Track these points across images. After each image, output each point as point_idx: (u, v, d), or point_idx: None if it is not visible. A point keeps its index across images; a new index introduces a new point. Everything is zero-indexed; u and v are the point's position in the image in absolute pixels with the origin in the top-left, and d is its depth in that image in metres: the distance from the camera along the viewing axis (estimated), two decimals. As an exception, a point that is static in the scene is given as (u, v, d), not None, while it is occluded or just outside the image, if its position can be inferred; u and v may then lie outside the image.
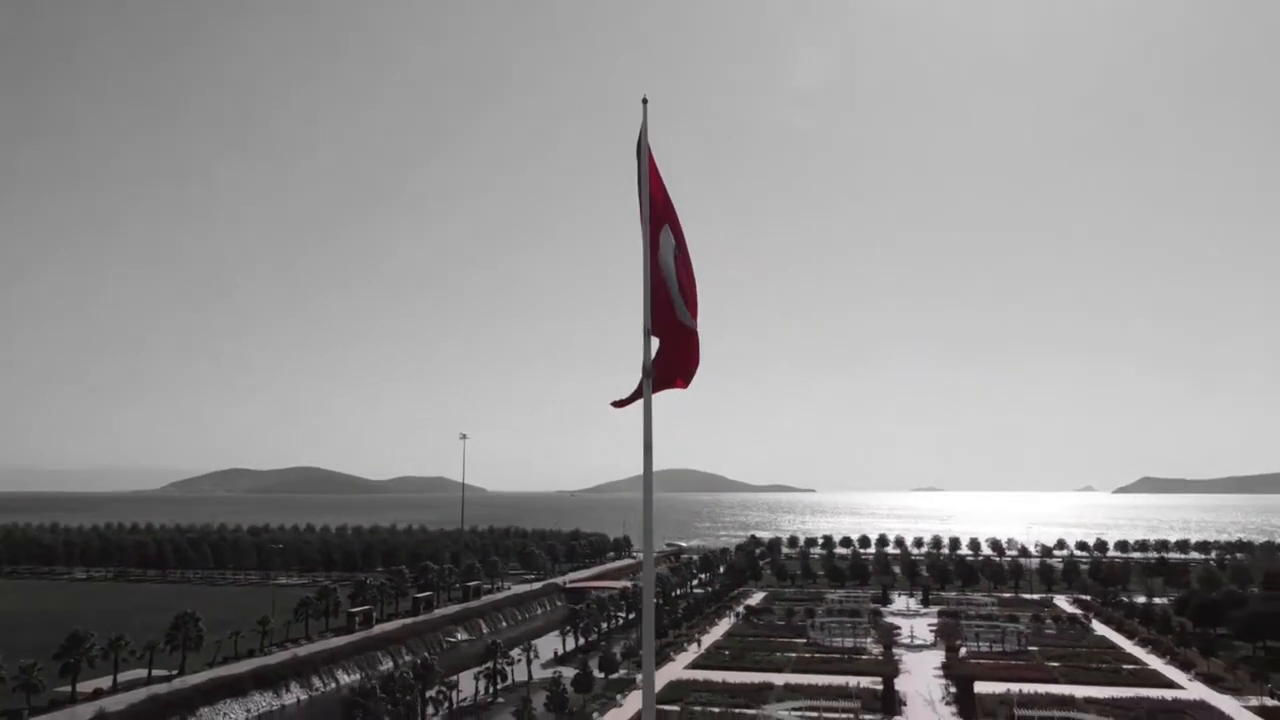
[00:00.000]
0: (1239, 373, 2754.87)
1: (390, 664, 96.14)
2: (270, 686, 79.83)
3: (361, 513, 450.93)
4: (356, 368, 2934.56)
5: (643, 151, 14.73)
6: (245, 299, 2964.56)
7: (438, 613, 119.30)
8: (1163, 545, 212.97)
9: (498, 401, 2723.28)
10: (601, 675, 77.22)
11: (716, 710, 67.91)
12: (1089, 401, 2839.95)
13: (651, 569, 13.52)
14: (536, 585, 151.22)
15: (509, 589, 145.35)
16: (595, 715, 68.56)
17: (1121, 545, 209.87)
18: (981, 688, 73.80)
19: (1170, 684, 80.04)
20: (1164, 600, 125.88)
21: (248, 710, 75.69)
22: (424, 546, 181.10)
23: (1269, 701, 72.43)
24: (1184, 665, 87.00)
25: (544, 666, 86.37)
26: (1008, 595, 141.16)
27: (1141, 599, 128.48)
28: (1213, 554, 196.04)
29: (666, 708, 71.68)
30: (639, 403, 14.75)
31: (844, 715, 64.25)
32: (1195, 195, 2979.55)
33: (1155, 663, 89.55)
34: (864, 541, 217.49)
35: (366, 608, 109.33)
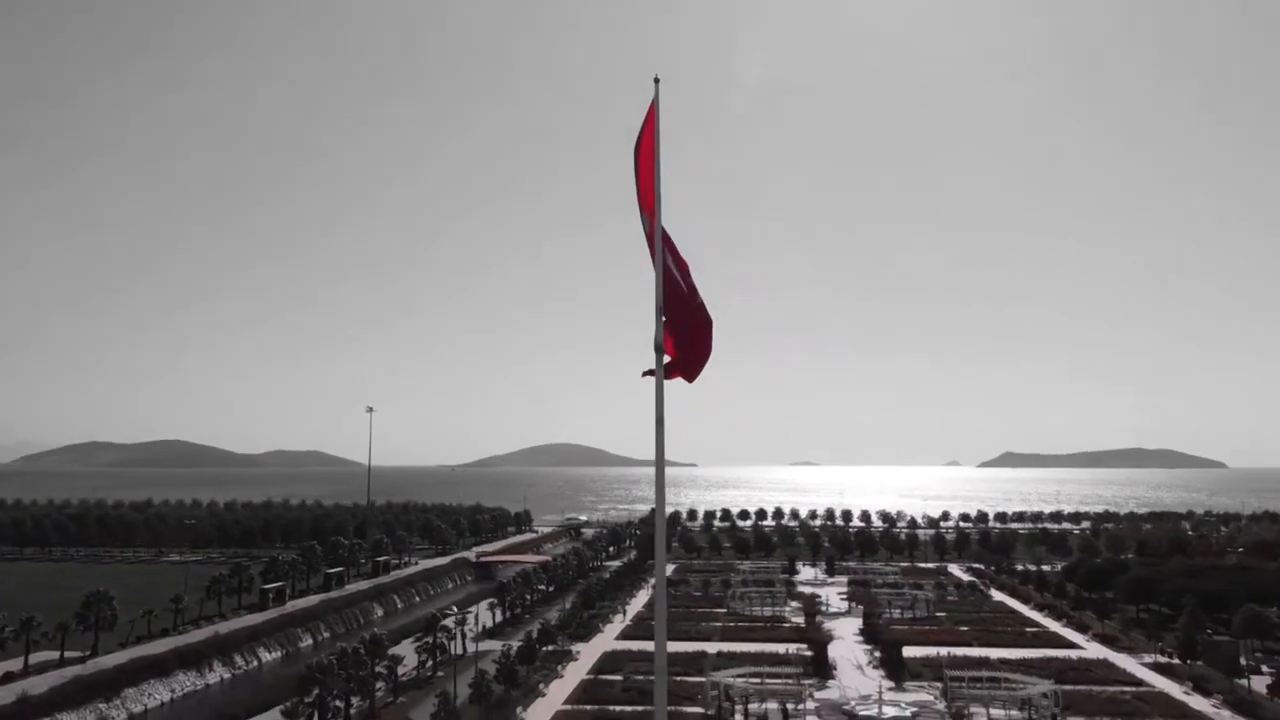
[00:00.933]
0: (1093, 355, 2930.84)
1: (310, 640, 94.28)
2: (193, 666, 77.14)
3: (239, 487, 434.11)
4: (223, 339, 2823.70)
5: (656, 132, 14.94)
6: (106, 272, 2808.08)
7: (350, 588, 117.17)
8: (1038, 516, 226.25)
9: (372, 375, 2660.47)
10: (540, 647, 77.50)
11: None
12: (954, 381, 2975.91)
13: (663, 531, 13.93)
14: (445, 560, 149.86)
15: (416, 564, 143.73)
16: (540, 686, 69.01)
17: (1001, 516, 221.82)
18: (905, 652, 77.46)
19: (1071, 645, 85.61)
20: (1049, 567, 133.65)
21: (172, 690, 73.00)
22: (324, 521, 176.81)
23: (1161, 659, 78.42)
24: (1080, 628, 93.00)
25: (474, 640, 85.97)
26: (905, 564, 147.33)
27: (1032, 567, 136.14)
28: (1085, 524, 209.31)
29: (608, 677, 72.69)
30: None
31: (787, 680, 66.52)
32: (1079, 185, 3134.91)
33: (1054, 625, 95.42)
34: (761, 514, 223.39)
35: (280, 584, 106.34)
